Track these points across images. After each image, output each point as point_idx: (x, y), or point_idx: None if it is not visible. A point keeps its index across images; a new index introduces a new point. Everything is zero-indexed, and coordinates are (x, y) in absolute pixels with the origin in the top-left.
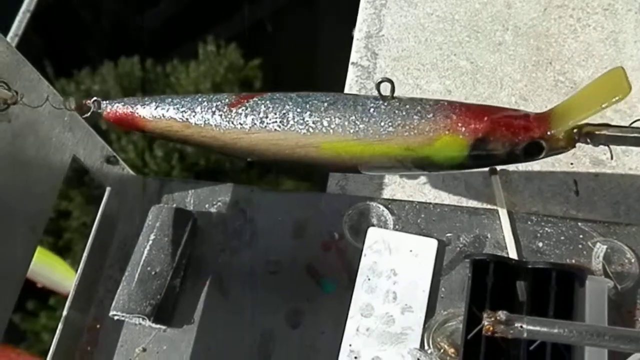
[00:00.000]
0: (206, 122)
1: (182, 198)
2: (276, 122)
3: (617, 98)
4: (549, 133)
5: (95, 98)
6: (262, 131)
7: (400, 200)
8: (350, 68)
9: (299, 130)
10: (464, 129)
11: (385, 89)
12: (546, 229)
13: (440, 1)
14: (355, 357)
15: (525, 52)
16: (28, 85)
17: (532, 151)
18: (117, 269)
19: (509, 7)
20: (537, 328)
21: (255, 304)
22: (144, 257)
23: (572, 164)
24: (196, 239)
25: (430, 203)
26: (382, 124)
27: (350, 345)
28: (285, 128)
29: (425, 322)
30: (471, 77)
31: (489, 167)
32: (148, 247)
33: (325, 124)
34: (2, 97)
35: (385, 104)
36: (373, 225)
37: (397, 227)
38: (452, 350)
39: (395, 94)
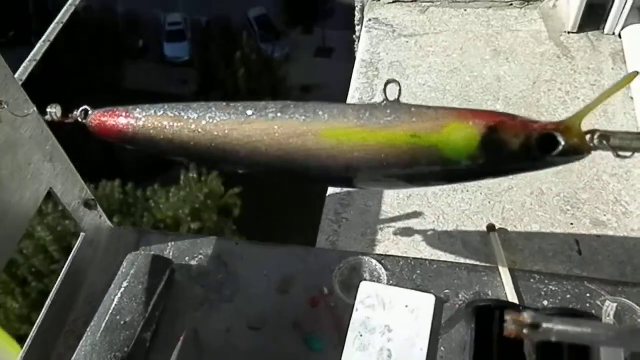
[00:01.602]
0: (199, 115)
1: (160, 250)
2: (276, 111)
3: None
4: (562, 126)
5: (83, 107)
6: (259, 120)
7: (394, 256)
8: None
9: (299, 118)
10: (474, 119)
11: (393, 93)
12: (550, 287)
13: (432, 73)
14: None
15: None
16: (13, 103)
17: (548, 145)
18: (82, 323)
19: (498, 80)
20: (566, 328)
21: None
22: (113, 305)
23: (572, 224)
24: (173, 292)
25: (426, 259)
26: (388, 111)
27: None
28: (285, 116)
29: None
30: None
31: (502, 169)
32: (119, 295)
33: (327, 111)
34: None
35: (392, 100)
36: (365, 280)
37: (391, 282)
38: None
39: None
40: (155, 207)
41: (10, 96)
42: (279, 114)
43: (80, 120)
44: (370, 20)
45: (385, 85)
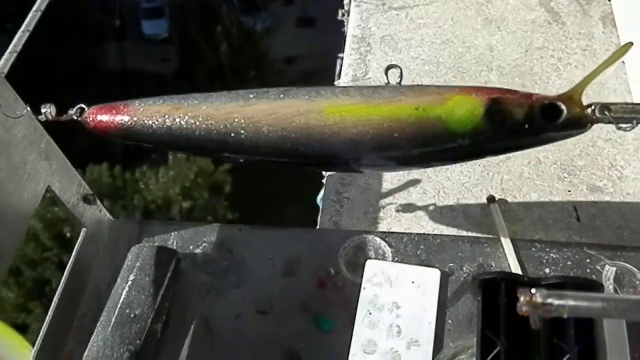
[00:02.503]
0: (199, 101)
1: (164, 241)
2: (277, 93)
3: (621, 57)
4: (564, 96)
5: (79, 105)
6: (260, 102)
7: (398, 233)
8: None
9: (301, 97)
10: (477, 92)
11: (394, 76)
12: (551, 254)
13: (424, 46)
14: None
15: None
16: (3, 104)
17: (551, 114)
18: (90, 319)
19: (491, 49)
20: (577, 303)
21: (245, 347)
22: (122, 299)
23: (569, 191)
24: (179, 282)
25: (429, 234)
26: (391, 89)
27: None
28: (287, 97)
29: (434, 356)
30: None
31: (507, 142)
32: (127, 288)
33: (329, 90)
34: None
35: (394, 84)
36: (371, 259)
37: (396, 259)
38: None
39: None
40: (145, 188)
41: (10, 103)
42: (281, 96)
43: (75, 118)
44: None
45: (386, 70)
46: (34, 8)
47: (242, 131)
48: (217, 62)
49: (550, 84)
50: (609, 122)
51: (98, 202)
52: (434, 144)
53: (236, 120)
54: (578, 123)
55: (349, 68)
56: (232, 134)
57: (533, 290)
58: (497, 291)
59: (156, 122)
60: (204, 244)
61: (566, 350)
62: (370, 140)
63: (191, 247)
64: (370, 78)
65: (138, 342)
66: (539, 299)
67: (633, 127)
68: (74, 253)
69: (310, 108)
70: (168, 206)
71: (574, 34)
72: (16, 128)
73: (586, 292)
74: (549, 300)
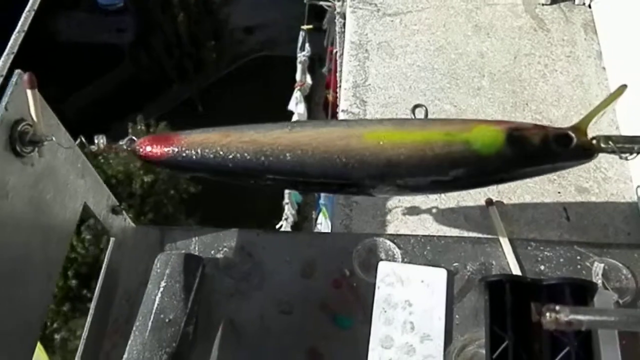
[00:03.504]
0: (247, 130)
1: (185, 246)
2: (318, 123)
3: (618, 98)
4: (572, 127)
5: (129, 137)
6: (305, 129)
7: (405, 235)
8: (341, 115)
9: (341, 125)
10: (497, 123)
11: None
12: (545, 252)
13: (419, 52)
14: None
15: (503, 95)
16: (47, 130)
17: (563, 140)
18: (123, 321)
19: (482, 56)
20: (594, 318)
21: (271, 346)
22: (156, 305)
23: (559, 192)
24: (205, 286)
25: (434, 236)
26: (421, 120)
27: None
28: (328, 126)
29: (445, 349)
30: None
31: (528, 162)
32: (159, 295)
33: (366, 121)
34: (31, 138)
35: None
36: (382, 260)
37: (405, 260)
38: None
39: None
40: (104, 163)
41: (52, 130)
42: (322, 124)
43: (126, 148)
44: None
45: (413, 109)
46: (27, 8)
47: (288, 153)
48: (174, 32)
49: (538, 90)
50: (612, 152)
51: (124, 212)
52: (462, 164)
53: (282, 143)
54: (586, 151)
55: (349, 75)
56: (279, 156)
57: (557, 308)
58: (502, 291)
59: (206, 149)
60: (224, 249)
61: (566, 343)
62: (404, 160)
63: (212, 252)
64: (370, 84)
65: (174, 344)
66: (563, 318)
67: (635, 156)
68: (105, 261)
69: (351, 134)
70: (130, 181)
71: (558, 40)
72: (60, 152)
73: (600, 308)
74: (571, 317)
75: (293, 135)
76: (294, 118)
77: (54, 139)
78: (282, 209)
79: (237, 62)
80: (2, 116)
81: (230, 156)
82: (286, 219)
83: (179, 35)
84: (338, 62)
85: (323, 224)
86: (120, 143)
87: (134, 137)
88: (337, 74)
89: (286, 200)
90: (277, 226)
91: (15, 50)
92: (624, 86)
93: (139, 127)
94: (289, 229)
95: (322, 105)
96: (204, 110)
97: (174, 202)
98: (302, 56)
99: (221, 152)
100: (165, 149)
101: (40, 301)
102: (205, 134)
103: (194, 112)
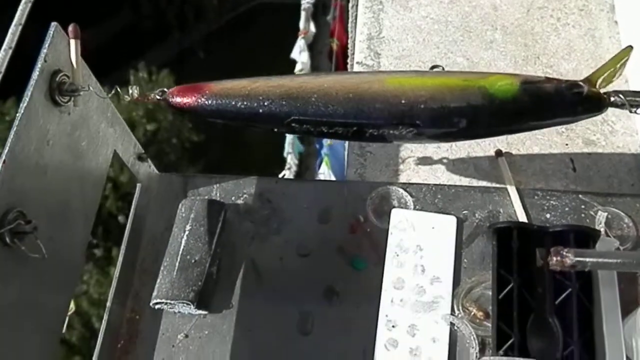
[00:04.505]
0: (274, 77)
1: (207, 192)
2: (343, 73)
3: (626, 58)
4: (583, 79)
5: (160, 89)
6: (330, 76)
7: (417, 184)
8: (356, 67)
9: (364, 74)
10: (512, 75)
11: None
12: (551, 202)
13: (433, 5)
14: (393, 326)
15: (515, 49)
16: (82, 80)
17: (575, 89)
18: (150, 262)
19: (495, 9)
20: (600, 260)
21: (290, 285)
22: (182, 247)
23: (567, 144)
24: (227, 229)
25: (445, 185)
26: (440, 71)
27: (386, 315)
28: (352, 74)
29: (453, 290)
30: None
31: (542, 106)
32: (185, 237)
33: (387, 71)
34: (68, 88)
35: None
36: (395, 207)
37: (417, 207)
38: (480, 313)
39: None
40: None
41: (86, 80)
42: (345, 73)
43: (159, 98)
44: None
45: (432, 67)
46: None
47: (314, 94)
48: None
49: (549, 43)
50: (622, 105)
51: (148, 159)
52: (479, 106)
53: (308, 86)
54: (597, 100)
55: (364, 27)
56: (305, 97)
57: (564, 252)
58: (509, 237)
59: (235, 93)
60: (244, 195)
61: (568, 285)
62: (424, 100)
63: (233, 198)
64: (384, 37)
65: (200, 283)
66: (568, 261)
67: None
68: (133, 205)
69: (373, 79)
70: (132, 128)
71: None
72: (91, 101)
73: (602, 250)
74: (577, 259)
75: (319, 80)
76: (297, 67)
77: (91, 88)
78: (283, 159)
79: (238, 10)
80: (42, 67)
81: (259, 97)
82: (289, 169)
83: None
84: (350, 12)
85: (325, 174)
86: (152, 95)
87: (164, 89)
88: (350, 23)
89: (289, 150)
90: (280, 175)
91: (13, 45)
92: (630, 47)
93: (140, 74)
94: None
95: (326, 54)
96: (206, 57)
97: (177, 150)
98: (305, 3)
99: (249, 95)
100: (196, 97)
101: (81, 241)
102: (235, 81)
103: (196, 60)
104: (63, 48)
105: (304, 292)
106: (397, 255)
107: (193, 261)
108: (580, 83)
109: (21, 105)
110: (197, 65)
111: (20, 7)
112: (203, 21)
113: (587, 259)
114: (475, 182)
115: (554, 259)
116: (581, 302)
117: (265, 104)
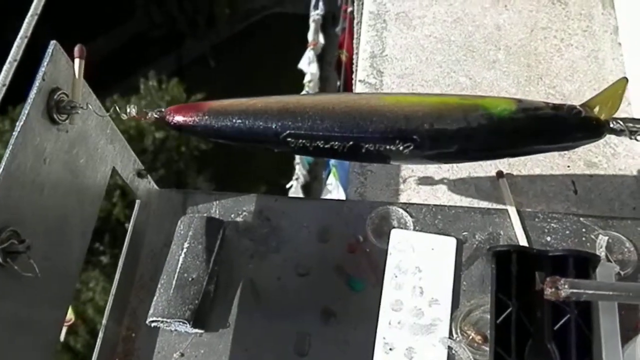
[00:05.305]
0: (271, 96)
1: (207, 209)
2: (343, 93)
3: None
4: (582, 104)
5: (158, 109)
6: (328, 95)
7: (417, 204)
8: (358, 85)
9: (362, 94)
10: (510, 98)
11: None
12: (552, 224)
13: (437, 24)
14: (390, 349)
15: (518, 69)
16: (82, 100)
17: (573, 111)
18: (148, 278)
19: (498, 29)
20: (595, 292)
21: (288, 305)
22: (179, 264)
23: (568, 166)
24: (226, 247)
25: (445, 205)
26: (438, 93)
27: (384, 338)
28: (350, 94)
29: (452, 313)
30: (471, 92)
31: (539, 125)
32: (183, 255)
33: (387, 93)
34: (67, 105)
35: None
36: (394, 227)
37: (416, 228)
38: (478, 337)
39: None
40: (116, 118)
41: (84, 97)
42: (344, 93)
43: (156, 116)
44: None
45: None
46: (30, 13)
47: (311, 108)
48: None
49: (552, 64)
50: (622, 131)
51: (148, 175)
52: (476, 124)
53: (305, 102)
54: (595, 127)
55: (367, 45)
56: (301, 111)
57: (558, 284)
58: (508, 261)
59: (232, 109)
60: (244, 213)
61: (567, 311)
62: (421, 116)
63: (232, 215)
64: (387, 55)
65: (196, 301)
66: (563, 293)
67: None
68: (132, 222)
69: (371, 97)
70: (141, 137)
71: (575, 14)
72: (90, 119)
73: (597, 282)
74: (571, 291)
75: (316, 97)
76: (306, 78)
77: (90, 106)
78: (291, 169)
79: (249, 19)
80: (40, 85)
81: (255, 112)
82: (297, 179)
83: None
84: (355, 29)
85: (333, 184)
86: (151, 113)
87: (162, 109)
88: (355, 40)
89: (297, 160)
90: (288, 186)
91: (17, 58)
92: (625, 79)
93: (150, 82)
94: (299, 189)
95: (334, 66)
96: (216, 66)
97: (185, 158)
98: (315, 15)
99: (246, 111)
100: (193, 116)
101: (77, 257)
102: (234, 99)
103: (207, 68)
104: (62, 66)
105: (302, 312)
106: (396, 277)
107: (190, 279)
108: (580, 108)
109: (17, 123)
110: (207, 74)
111: (26, 21)
112: (214, 30)
113: (583, 291)
114: (476, 203)
115: (549, 290)
116: (580, 328)
117: (262, 118)
